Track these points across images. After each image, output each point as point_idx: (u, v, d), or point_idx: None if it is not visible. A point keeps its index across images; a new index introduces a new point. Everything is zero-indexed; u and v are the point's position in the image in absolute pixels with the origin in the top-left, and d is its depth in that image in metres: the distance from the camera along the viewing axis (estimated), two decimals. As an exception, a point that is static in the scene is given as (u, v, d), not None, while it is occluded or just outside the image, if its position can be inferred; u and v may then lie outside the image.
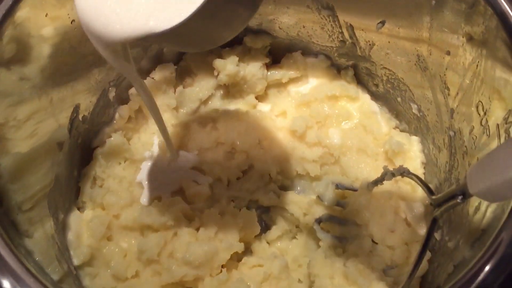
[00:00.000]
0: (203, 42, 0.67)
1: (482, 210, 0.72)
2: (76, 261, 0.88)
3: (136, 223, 0.94)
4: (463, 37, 0.80)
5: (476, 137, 0.78)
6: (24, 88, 0.79)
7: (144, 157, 1.03)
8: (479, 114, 0.77)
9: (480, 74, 0.76)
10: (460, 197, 0.61)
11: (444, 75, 0.86)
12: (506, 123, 0.68)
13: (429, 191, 0.72)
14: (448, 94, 0.86)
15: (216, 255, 0.88)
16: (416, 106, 0.99)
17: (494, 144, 0.71)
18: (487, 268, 0.58)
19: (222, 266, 0.91)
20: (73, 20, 0.85)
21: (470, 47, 0.79)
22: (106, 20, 0.59)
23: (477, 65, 0.77)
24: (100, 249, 0.92)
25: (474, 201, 0.76)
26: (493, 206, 0.69)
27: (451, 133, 0.87)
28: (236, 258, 0.94)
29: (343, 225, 0.97)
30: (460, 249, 0.77)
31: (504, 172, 0.51)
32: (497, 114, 0.71)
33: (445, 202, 0.64)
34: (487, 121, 0.74)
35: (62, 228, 0.89)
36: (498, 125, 0.70)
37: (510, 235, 0.57)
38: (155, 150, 1.05)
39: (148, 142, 1.06)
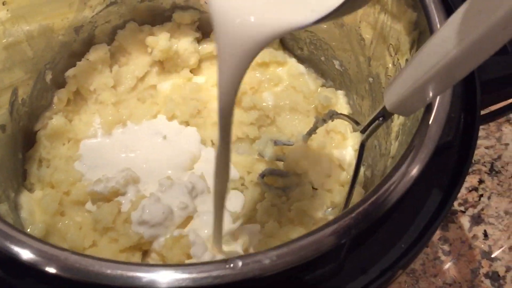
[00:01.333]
0: None
1: (396, 144, 0.83)
2: (32, 237, 0.89)
3: (87, 196, 0.97)
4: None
5: (391, 76, 0.88)
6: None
7: (87, 136, 1.06)
8: (391, 55, 0.87)
9: (388, 20, 0.86)
10: (381, 118, 0.70)
11: (359, 27, 0.96)
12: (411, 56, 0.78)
13: (355, 123, 0.82)
14: (364, 45, 0.97)
15: (171, 214, 0.93)
16: (338, 62, 1.08)
17: (406, 77, 0.81)
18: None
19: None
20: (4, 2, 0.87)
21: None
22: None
23: (384, 13, 0.87)
24: (55, 225, 0.94)
25: (393, 135, 0.86)
26: (399, 137, 0.80)
27: (370, 80, 0.98)
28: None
29: (285, 176, 1.05)
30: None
31: (412, 83, 0.60)
32: (405, 50, 0.82)
33: (369, 126, 0.73)
34: (398, 59, 0.84)
35: (14, 207, 0.90)
36: (407, 59, 0.81)
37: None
38: (97, 128, 1.08)
39: (89, 121, 1.09)
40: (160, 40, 1.11)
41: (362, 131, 0.76)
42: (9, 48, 0.91)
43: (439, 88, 0.59)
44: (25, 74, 0.97)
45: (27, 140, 1.02)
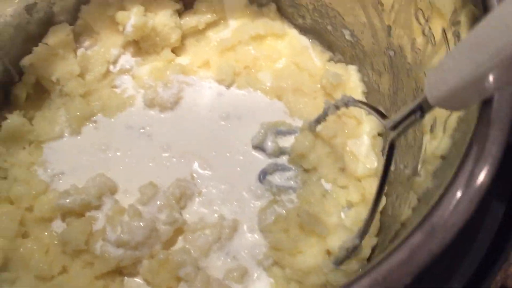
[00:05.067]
0: None
1: (439, 135, 0.65)
2: (-12, 269, 0.74)
3: (54, 211, 0.80)
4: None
5: (420, 49, 0.70)
6: None
7: (52, 136, 0.89)
8: (420, 23, 0.69)
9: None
10: (418, 113, 0.53)
11: (375, -12, 0.77)
12: (453, 25, 0.60)
13: (381, 115, 0.64)
14: (382, 10, 0.78)
15: (155, 231, 0.77)
16: (348, 31, 0.90)
17: (443, 52, 0.63)
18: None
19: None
20: None
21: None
22: None
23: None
24: (16, 250, 0.78)
25: (427, 124, 0.69)
26: (449, 131, 0.62)
27: (391, 53, 0.80)
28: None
29: (290, 173, 0.88)
30: (422, 179, 0.70)
31: (470, 72, 0.42)
32: (444, 18, 0.63)
33: (401, 122, 0.56)
34: (430, 28, 0.66)
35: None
36: (444, 29, 0.62)
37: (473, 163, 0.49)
38: (64, 126, 0.90)
39: (53, 119, 0.91)
40: (132, 15, 0.93)
41: (391, 128, 0.58)
42: None
43: (506, 79, 0.42)
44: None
45: (-22, 147, 0.84)
